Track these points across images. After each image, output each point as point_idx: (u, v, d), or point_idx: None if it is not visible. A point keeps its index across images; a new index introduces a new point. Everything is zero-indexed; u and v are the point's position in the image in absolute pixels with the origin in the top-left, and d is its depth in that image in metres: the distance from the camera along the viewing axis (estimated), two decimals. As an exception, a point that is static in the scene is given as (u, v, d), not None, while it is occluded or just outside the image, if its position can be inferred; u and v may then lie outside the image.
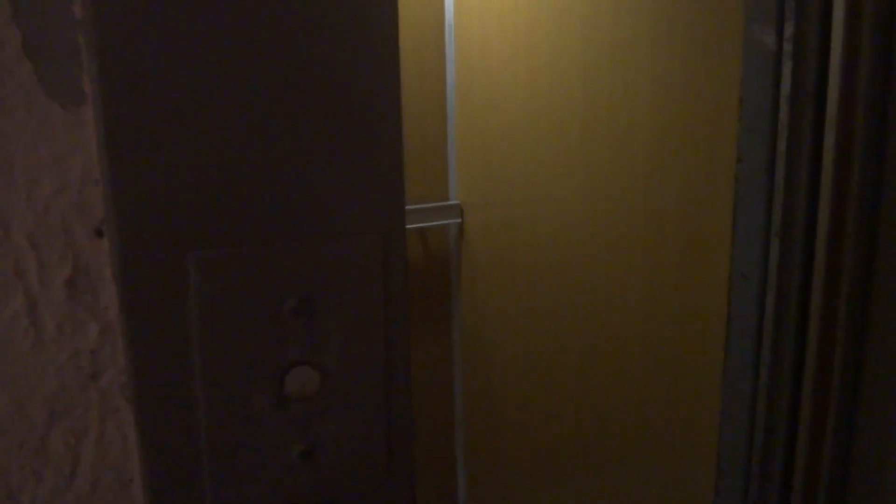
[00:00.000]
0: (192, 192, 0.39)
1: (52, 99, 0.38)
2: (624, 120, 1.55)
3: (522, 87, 1.89)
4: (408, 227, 2.23)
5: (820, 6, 1.04)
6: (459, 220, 2.27)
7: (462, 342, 2.38)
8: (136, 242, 0.39)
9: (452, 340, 2.41)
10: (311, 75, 0.42)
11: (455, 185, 2.27)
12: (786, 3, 1.06)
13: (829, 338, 1.11)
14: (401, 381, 0.48)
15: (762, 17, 1.09)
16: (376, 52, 0.43)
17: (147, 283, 0.39)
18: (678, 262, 1.46)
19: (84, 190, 0.39)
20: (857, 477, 1.14)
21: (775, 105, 1.10)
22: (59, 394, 0.40)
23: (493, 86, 2.02)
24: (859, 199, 1.04)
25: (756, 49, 1.11)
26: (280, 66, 0.41)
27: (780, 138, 1.10)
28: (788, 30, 1.06)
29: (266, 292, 0.42)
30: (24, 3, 0.36)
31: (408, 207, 2.10)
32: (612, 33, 1.56)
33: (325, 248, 0.43)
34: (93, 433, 0.41)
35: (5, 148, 0.37)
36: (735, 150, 1.19)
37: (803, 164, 1.09)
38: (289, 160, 0.42)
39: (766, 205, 1.13)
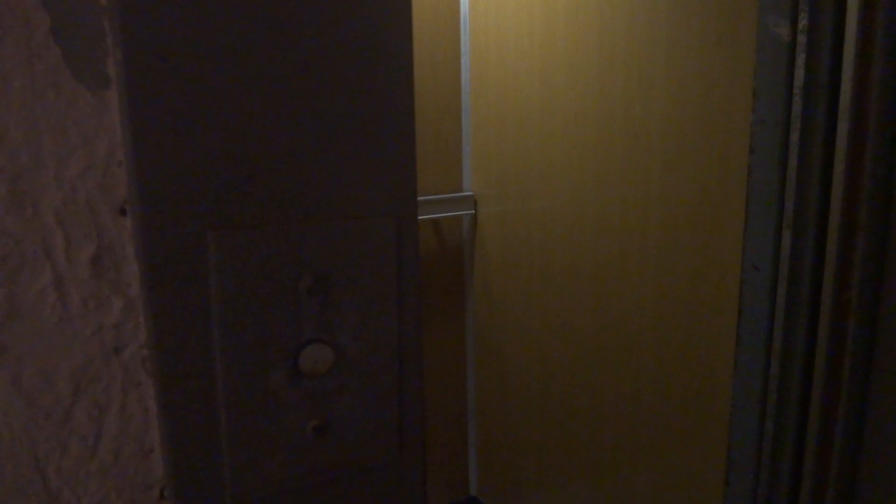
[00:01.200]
0: (212, 173, 0.41)
1: (79, 82, 0.39)
2: (639, 112, 1.56)
3: (537, 80, 1.90)
4: (422, 217, 2.24)
5: (834, -2, 1.04)
6: (473, 212, 2.28)
7: (475, 333, 2.39)
8: (158, 222, 0.40)
9: (465, 331, 2.42)
10: (328, 63, 0.43)
11: (469, 177, 2.28)
12: (800, -5, 1.07)
13: (840, 329, 1.11)
14: (413, 359, 0.49)
15: (776, 8, 1.09)
16: (390, 42, 0.44)
17: (168, 261, 0.41)
18: (691, 254, 1.46)
19: (109, 170, 0.40)
20: (867, 468, 1.14)
21: (788, 97, 1.10)
22: (84, 367, 0.42)
23: (508, 78, 2.02)
24: (871, 191, 1.04)
25: (770, 41, 1.11)
26: (298, 54, 0.42)
27: (793, 130, 1.10)
28: (802, 21, 1.06)
29: (282, 271, 0.43)
30: (53, -10, 0.38)
31: (422, 198, 2.10)
32: (628, 25, 1.56)
33: (340, 230, 0.45)
34: (116, 405, 0.43)
35: (35, 129, 0.38)
36: (748, 142, 1.20)
37: (816, 155, 1.09)
38: (305, 145, 0.43)
39: (779, 196, 1.14)
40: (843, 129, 1.05)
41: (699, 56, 1.38)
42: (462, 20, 2.20)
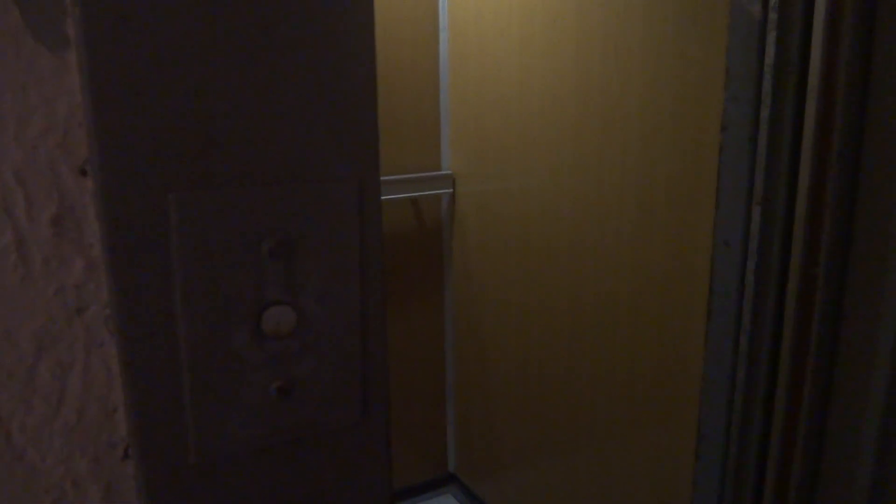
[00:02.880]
0: (173, 135, 0.41)
1: (39, 43, 0.39)
2: (616, 90, 1.57)
3: (515, 57, 1.90)
4: (400, 196, 2.24)
5: (804, -25, 1.05)
6: (451, 190, 2.28)
7: (454, 311, 2.41)
8: (119, 182, 0.40)
9: (444, 309, 2.43)
10: (288, 25, 0.43)
11: (448, 155, 2.28)
12: (771, -28, 1.07)
13: (807, 304, 1.13)
14: (376, 323, 0.50)
15: (748, -14, 1.10)
16: (351, 5, 0.45)
17: (129, 222, 0.41)
18: (665, 231, 1.48)
19: (69, 130, 0.41)
20: (833, 437, 1.17)
21: (759, 74, 1.11)
22: (47, 326, 0.42)
23: (487, 55, 2.02)
24: (839, 168, 1.06)
25: (742, 18, 1.12)
26: (258, 16, 0.42)
27: (764, 107, 1.11)
28: (773, -1, 1.07)
29: (244, 233, 0.44)
30: (11, -51, 0.38)
31: (401, 177, 2.11)
32: (605, 3, 1.56)
33: (303, 193, 0.45)
34: (79, 364, 0.43)
35: (-7, 88, 0.39)
36: (720, 119, 1.21)
37: (786, 133, 1.11)
38: (267, 107, 0.43)
39: (749, 173, 1.15)
40: (811, 106, 1.06)
41: (675, 34, 1.39)
42: (441, -3, 2.19)
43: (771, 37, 1.08)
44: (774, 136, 1.12)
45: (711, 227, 1.27)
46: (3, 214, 0.40)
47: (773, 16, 1.08)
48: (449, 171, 2.28)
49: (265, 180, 0.44)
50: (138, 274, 0.42)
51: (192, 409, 0.44)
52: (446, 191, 2.28)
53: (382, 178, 1.86)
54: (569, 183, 1.76)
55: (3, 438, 0.43)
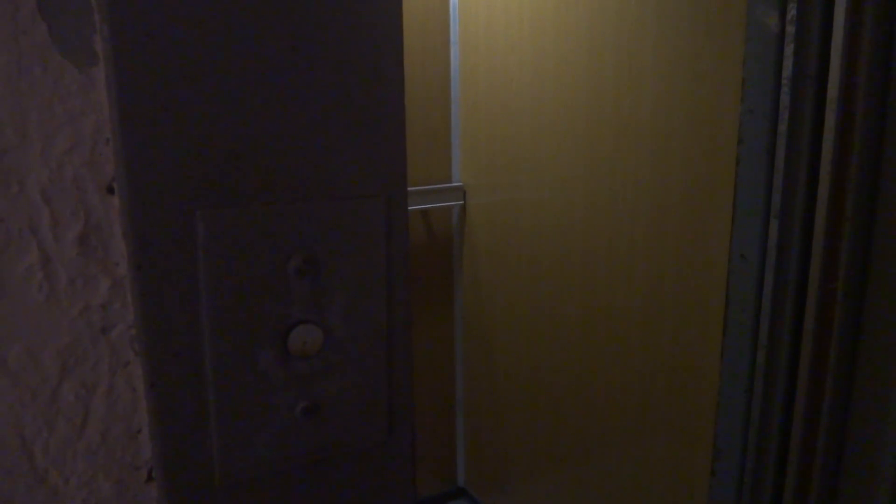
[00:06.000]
0: (200, 151, 0.41)
1: (66, 59, 0.39)
2: (628, 102, 1.56)
3: (527, 70, 1.89)
4: (411, 208, 2.22)
5: (823, -12, 1.04)
6: (462, 202, 2.28)
7: (464, 323, 2.40)
8: (146, 200, 0.40)
9: (454, 321, 2.42)
10: (316, 41, 0.43)
11: (458, 167, 2.28)
12: (789, -15, 1.07)
13: (826, 319, 1.12)
14: (402, 341, 0.49)
15: (765, -2, 1.10)
16: (379, 19, 0.44)
17: (156, 240, 0.40)
18: (679, 243, 1.47)
19: (96, 148, 0.40)
20: (851, 459, 1.15)
21: (777, 87, 1.10)
22: (71, 346, 0.41)
23: (498, 67, 2.02)
24: (858, 181, 1.05)
25: (759, 31, 1.12)
26: (287, 32, 0.42)
27: (782, 120, 1.10)
28: (791, 12, 1.06)
29: (271, 251, 0.43)
30: (39, -36, 0.37)
31: (411, 189, 2.09)
32: (618, 15, 1.56)
33: (330, 210, 0.44)
34: (103, 385, 0.42)
35: (21, 105, 0.38)
36: (737, 132, 1.20)
37: (803, 145, 1.10)
38: (295, 123, 0.43)
39: (766, 186, 1.14)
40: (830, 119, 1.05)
41: (689, 46, 1.38)
42: (451, 9, 2.19)
43: (788, 49, 1.08)
44: (792, 148, 1.11)
45: (727, 241, 1.26)
46: (28, 233, 0.39)
47: (790, 28, 1.07)
48: (459, 183, 2.27)
49: (293, 197, 0.43)
50: (165, 293, 0.41)
51: (217, 430, 0.44)
52: (457, 203, 2.27)
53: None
54: (580, 195, 1.75)
55: (26, 460, 0.42)
